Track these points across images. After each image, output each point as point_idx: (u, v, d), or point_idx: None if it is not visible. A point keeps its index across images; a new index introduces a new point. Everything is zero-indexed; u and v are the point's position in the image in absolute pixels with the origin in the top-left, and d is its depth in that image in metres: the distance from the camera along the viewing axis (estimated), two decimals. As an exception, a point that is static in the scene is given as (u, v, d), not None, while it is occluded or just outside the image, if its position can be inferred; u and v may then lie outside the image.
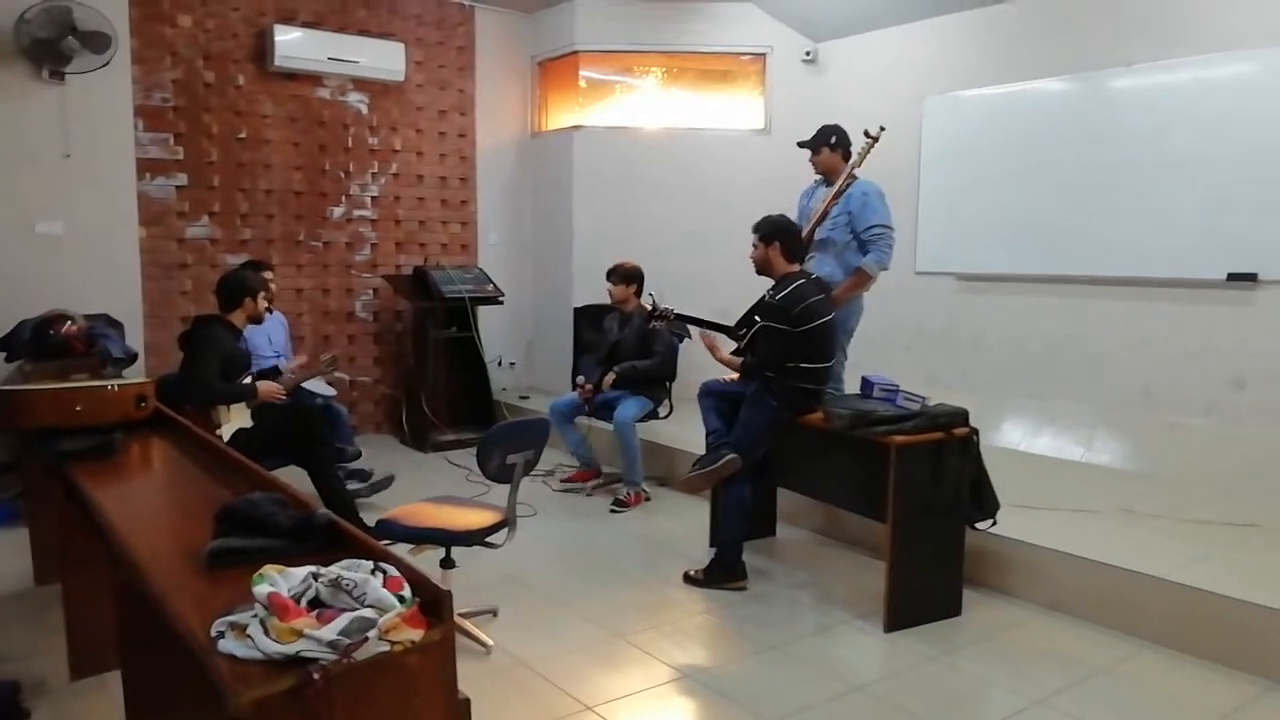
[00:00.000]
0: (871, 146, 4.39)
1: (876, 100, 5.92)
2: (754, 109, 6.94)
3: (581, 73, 7.06)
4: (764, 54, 6.81)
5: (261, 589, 1.37)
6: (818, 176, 4.62)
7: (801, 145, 4.59)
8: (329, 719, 1.28)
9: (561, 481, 5.40)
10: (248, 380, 4.28)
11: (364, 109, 6.55)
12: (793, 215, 4.52)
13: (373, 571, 1.46)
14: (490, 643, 3.21)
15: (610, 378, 5.16)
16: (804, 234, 4.45)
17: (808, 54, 6.63)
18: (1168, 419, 4.83)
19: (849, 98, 6.16)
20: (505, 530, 3.28)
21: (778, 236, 3.83)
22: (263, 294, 4.37)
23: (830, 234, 4.39)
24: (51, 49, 5.05)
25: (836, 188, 4.39)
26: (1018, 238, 5.41)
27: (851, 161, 4.41)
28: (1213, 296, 4.66)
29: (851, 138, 4.57)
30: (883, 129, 4.42)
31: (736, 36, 6.80)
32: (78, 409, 2.76)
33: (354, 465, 5.05)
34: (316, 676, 1.26)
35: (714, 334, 4.09)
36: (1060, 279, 5.24)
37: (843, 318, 4.39)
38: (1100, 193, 5.02)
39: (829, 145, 4.49)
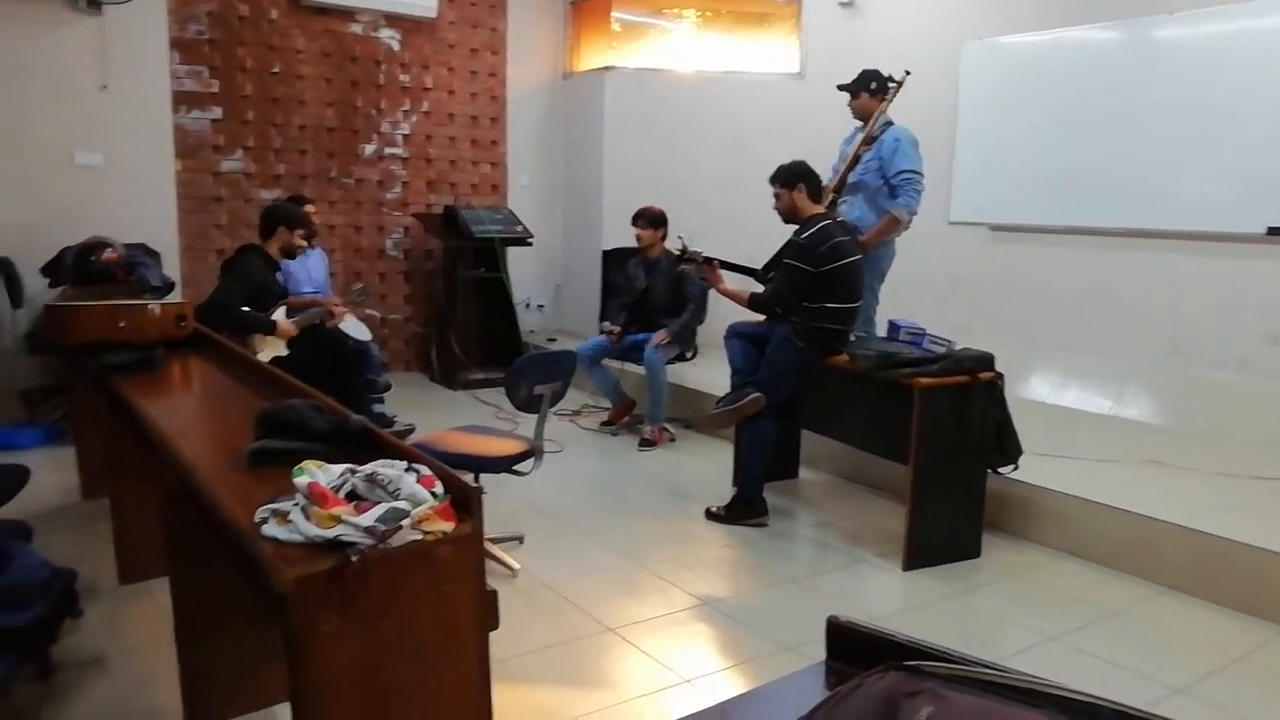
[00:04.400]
0: (896, 90, 4.41)
1: (914, 45, 5.82)
2: (789, 53, 6.85)
3: (614, 14, 6.98)
4: (801, -4, 6.70)
5: (302, 480, 1.44)
6: (857, 121, 4.62)
7: (841, 88, 4.60)
8: (365, 599, 1.35)
9: (602, 424, 5.44)
10: (280, 311, 4.37)
11: (396, 45, 6.54)
12: (827, 161, 4.56)
13: (406, 470, 1.52)
14: (517, 566, 3.31)
15: (662, 336, 5.11)
16: (838, 178, 4.48)
17: (845, -4, 6.51)
18: (1200, 373, 4.79)
19: (886, 42, 6.04)
20: (532, 459, 3.35)
21: (799, 180, 3.83)
22: (299, 230, 4.44)
23: (862, 178, 4.44)
24: (89, -22, 5.08)
25: (867, 132, 4.42)
26: (1052, 188, 5.33)
27: (880, 106, 4.42)
28: (1251, 250, 4.58)
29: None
30: (907, 73, 4.44)
31: (774, -22, 6.69)
32: (121, 325, 2.85)
33: (377, 410, 5.09)
34: (354, 559, 1.33)
35: (720, 269, 4.12)
36: (1094, 231, 5.17)
37: (874, 260, 4.41)
38: (1138, 143, 4.92)
39: (868, 90, 4.51)
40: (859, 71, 4.55)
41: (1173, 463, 4.05)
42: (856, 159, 4.45)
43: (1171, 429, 4.68)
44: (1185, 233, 4.80)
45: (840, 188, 4.50)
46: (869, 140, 4.41)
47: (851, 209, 4.46)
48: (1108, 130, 5.05)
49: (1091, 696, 0.87)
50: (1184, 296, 4.85)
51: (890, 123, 4.45)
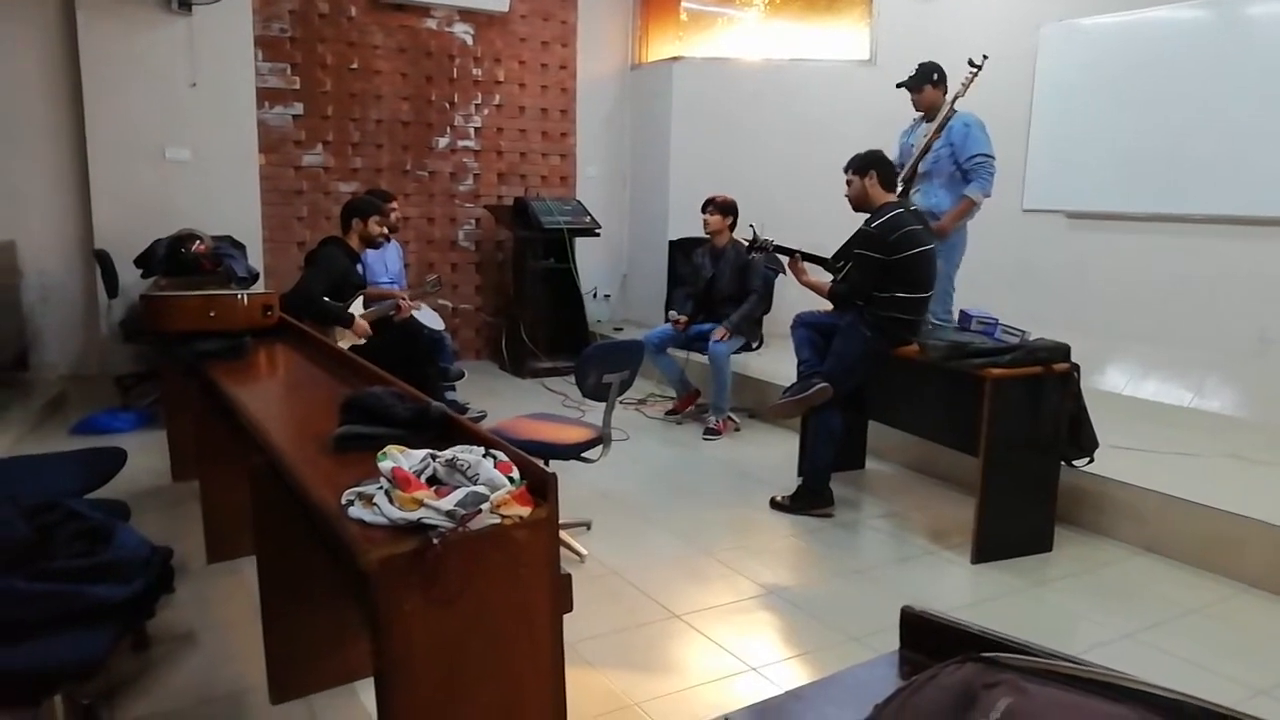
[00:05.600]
0: (975, 75, 4.36)
1: (989, 28, 5.69)
2: (859, 39, 6.76)
3: (683, 3, 6.99)
4: (872, -20, 6.61)
5: (386, 464, 1.51)
6: (918, 114, 4.61)
7: (901, 85, 4.57)
8: (445, 581, 1.41)
9: (667, 413, 5.48)
10: (358, 301, 4.52)
11: (469, 40, 6.66)
12: (893, 152, 4.52)
13: (484, 455, 1.58)
14: (584, 552, 3.37)
15: (720, 333, 5.10)
16: (907, 169, 4.45)
17: (918, -20, 6.40)
18: (1287, 366, 4.61)
19: (959, 26, 5.92)
20: (600, 447, 3.41)
21: (872, 166, 3.79)
22: (375, 218, 4.57)
23: (934, 166, 4.43)
24: (179, -21, 5.29)
25: (938, 121, 4.39)
26: (1134, 175, 5.17)
27: (954, 92, 4.40)
28: (1347, 237, 4.39)
29: (958, 68, 4.50)
30: (985, 57, 4.38)
31: (844, -37, 6.61)
32: (212, 314, 2.99)
33: (449, 397, 5.21)
34: (436, 541, 1.39)
35: (804, 261, 4.11)
36: (1177, 217, 5.00)
37: (949, 249, 4.37)
38: (1225, 127, 4.73)
39: (931, 83, 4.51)
40: (916, 66, 4.52)
41: (1256, 457, 3.92)
42: (928, 148, 4.43)
43: (1255, 422, 4.52)
44: (1273, 219, 4.61)
45: (911, 177, 4.47)
46: (939, 129, 4.39)
47: (927, 196, 4.44)
48: (1193, 113, 4.87)
49: (1176, 693, 0.86)
50: (1272, 285, 4.66)
51: (955, 110, 4.43)
